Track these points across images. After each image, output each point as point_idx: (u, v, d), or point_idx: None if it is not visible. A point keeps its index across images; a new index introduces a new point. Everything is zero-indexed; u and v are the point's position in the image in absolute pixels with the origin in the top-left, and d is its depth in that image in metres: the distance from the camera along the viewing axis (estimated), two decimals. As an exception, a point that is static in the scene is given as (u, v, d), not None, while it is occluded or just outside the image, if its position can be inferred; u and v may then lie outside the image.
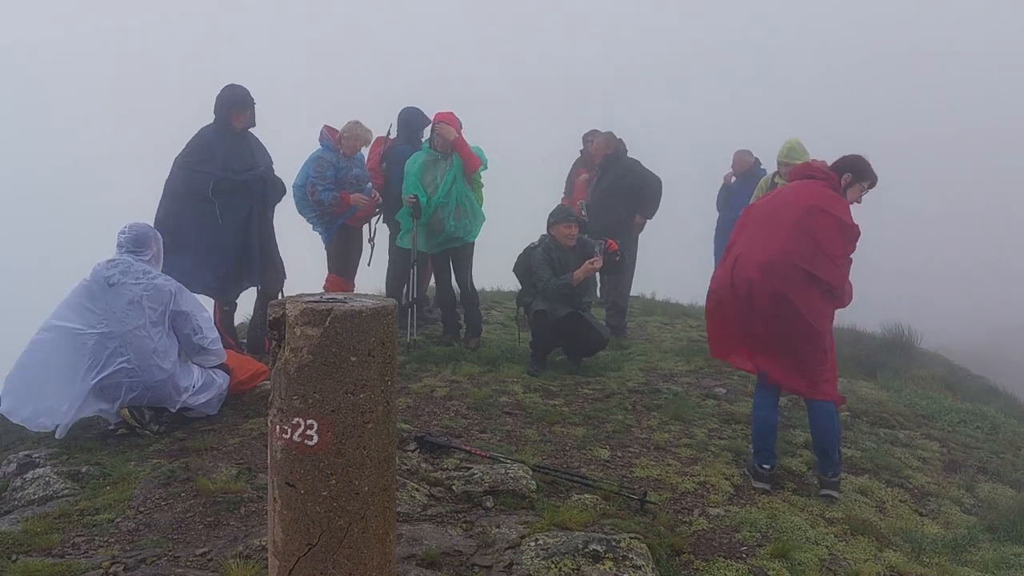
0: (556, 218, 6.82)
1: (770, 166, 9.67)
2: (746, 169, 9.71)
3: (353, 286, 7.69)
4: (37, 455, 4.81)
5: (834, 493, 4.57)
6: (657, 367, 7.23)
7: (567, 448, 5.06)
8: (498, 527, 3.74)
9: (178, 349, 5.21)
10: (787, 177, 7.46)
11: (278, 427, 2.55)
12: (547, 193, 11.22)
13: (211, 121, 6.36)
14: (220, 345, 5.47)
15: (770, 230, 4.48)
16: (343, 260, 7.43)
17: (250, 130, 6.51)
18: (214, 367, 5.45)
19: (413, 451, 4.64)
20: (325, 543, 2.54)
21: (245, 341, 6.79)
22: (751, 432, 4.89)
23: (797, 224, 4.41)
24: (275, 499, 2.59)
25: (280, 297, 6.79)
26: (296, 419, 2.52)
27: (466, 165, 6.98)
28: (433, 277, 7.92)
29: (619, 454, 5.06)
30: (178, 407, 5.16)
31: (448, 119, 7.00)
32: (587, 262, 6.59)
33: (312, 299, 2.70)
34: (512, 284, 11.55)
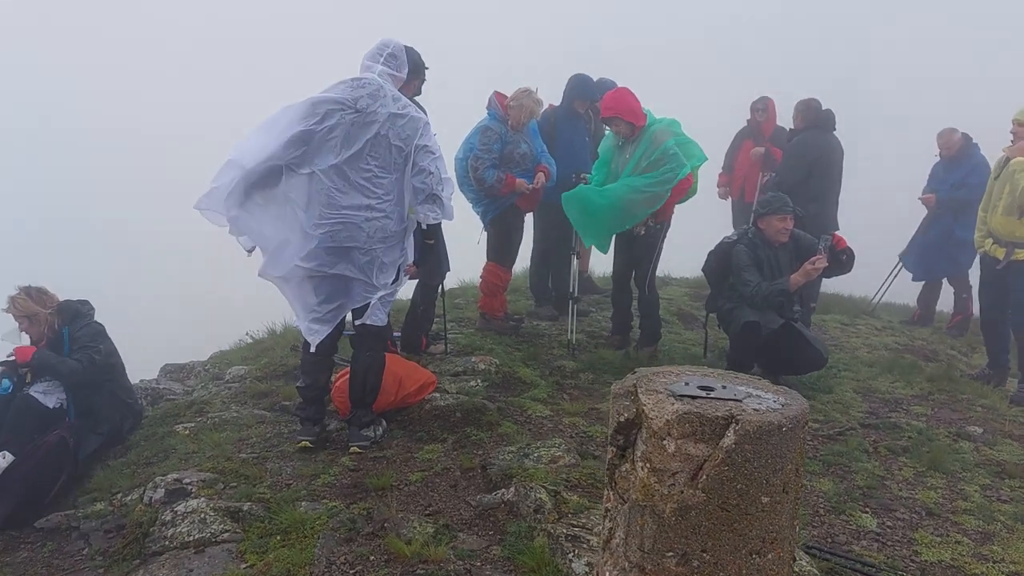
0: (769, 208, 5.69)
1: (989, 147, 8.24)
2: (955, 151, 8.27)
3: (510, 276, 6.78)
4: (188, 480, 4.10)
5: None
6: (873, 389, 6.07)
7: (820, 511, 4.03)
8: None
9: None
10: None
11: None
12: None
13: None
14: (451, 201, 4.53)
15: None
16: (504, 247, 6.51)
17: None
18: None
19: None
20: None
21: (399, 335, 5.98)
22: None
23: None
24: None
25: (441, 289, 5.98)
26: (673, 591, 1.60)
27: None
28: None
29: (887, 523, 4.00)
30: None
31: (619, 102, 5.94)
32: (808, 263, 5.47)
33: (678, 384, 1.75)
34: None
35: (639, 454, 1.69)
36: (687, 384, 1.74)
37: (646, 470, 1.64)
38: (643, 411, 1.67)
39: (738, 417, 1.58)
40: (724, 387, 1.77)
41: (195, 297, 20.12)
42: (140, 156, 29.61)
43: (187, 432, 4.98)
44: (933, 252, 8.45)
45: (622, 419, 1.71)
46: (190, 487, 4.05)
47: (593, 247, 6.54)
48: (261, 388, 5.65)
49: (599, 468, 4.03)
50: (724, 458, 1.54)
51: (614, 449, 1.77)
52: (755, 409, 1.64)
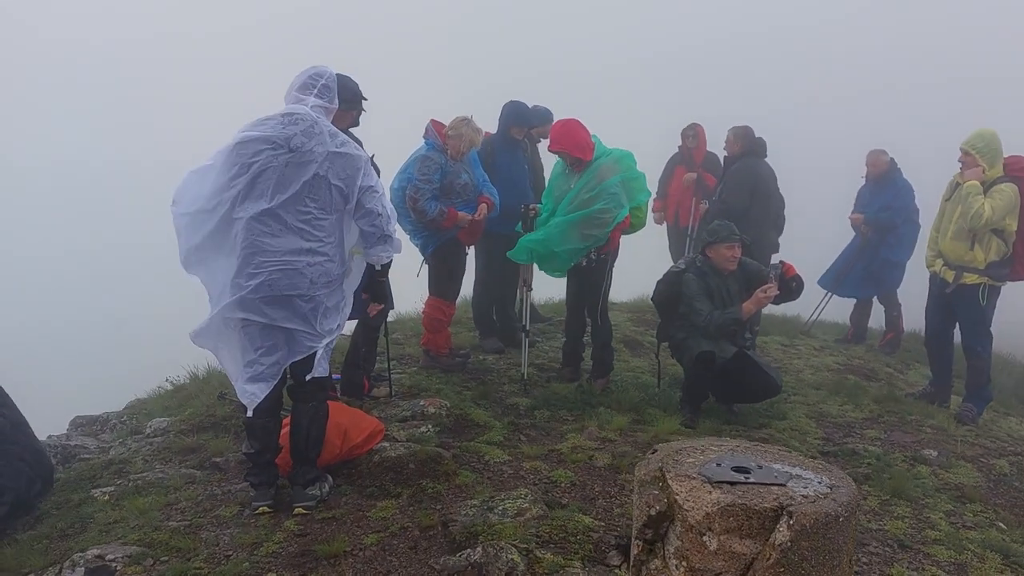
0: (716, 237, 5.61)
1: (912, 168, 8.49)
2: (881, 171, 8.48)
3: (454, 310, 6.50)
4: (111, 556, 3.63)
5: None
6: (825, 413, 6.05)
7: (797, 550, 3.89)
8: None
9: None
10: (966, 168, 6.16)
11: None
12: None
13: None
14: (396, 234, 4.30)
15: None
16: (446, 281, 6.23)
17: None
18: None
19: (619, 566, 3.47)
20: None
21: (338, 378, 5.59)
22: None
23: None
24: None
25: (384, 327, 5.63)
26: None
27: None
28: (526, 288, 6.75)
29: (863, 559, 3.86)
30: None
31: (565, 136, 5.83)
32: (760, 291, 5.41)
33: (710, 466, 1.54)
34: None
35: (672, 550, 1.47)
36: (719, 465, 1.54)
37: (683, 570, 1.42)
38: (676, 502, 1.45)
39: (790, 508, 1.38)
40: (760, 467, 1.58)
41: (106, 335, 18.96)
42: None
43: (106, 497, 4.48)
44: (862, 272, 8.63)
45: (652, 512, 1.48)
46: (114, 564, 3.59)
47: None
48: (187, 443, 5.17)
49: (570, 519, 3.78)
50: (779, 558, 1.33)
51: (641, 544, 1.53)
52: (804, 496, 1.44)
